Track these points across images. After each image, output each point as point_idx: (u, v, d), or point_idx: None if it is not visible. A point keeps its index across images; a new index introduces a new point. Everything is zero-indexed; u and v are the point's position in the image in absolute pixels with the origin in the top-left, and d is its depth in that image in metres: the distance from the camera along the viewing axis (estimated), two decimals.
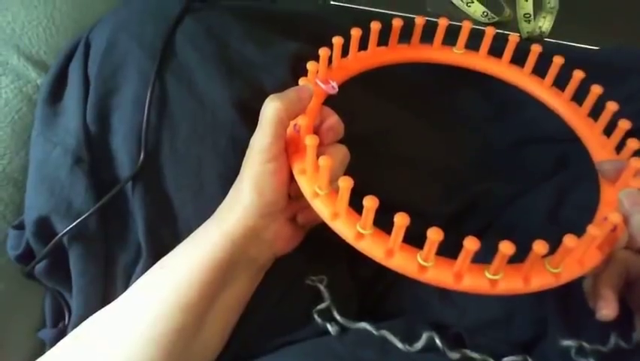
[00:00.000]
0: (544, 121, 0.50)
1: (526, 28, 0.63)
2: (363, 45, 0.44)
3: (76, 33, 0.49)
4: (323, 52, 0.39)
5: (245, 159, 0.38)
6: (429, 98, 0.53)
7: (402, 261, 0.32)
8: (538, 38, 0.62)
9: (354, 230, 0.33)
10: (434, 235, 0.29)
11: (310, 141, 0.33)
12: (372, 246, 0.32)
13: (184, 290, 0.36)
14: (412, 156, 0.49)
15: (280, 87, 0.39)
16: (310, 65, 0.39)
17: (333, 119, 0.39)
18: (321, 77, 0.40)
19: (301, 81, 0.40)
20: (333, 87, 0.39)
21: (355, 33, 0.42)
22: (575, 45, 0.60)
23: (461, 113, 0.54)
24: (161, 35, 0.44)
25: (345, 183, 0.31)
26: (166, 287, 0.36)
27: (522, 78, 0.46)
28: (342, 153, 0.39)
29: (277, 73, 0.45)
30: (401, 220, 0.30)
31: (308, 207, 0.35)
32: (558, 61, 0.43)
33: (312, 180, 0.35)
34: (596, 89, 0.41)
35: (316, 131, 0.39)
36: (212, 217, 0.39)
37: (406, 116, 0.51)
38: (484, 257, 0.31)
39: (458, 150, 0.52)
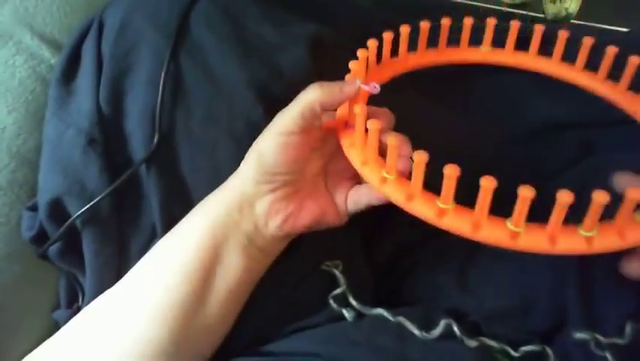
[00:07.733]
0: (566, 106, 0.49)
1: (551, 9, 0.61)
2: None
3: (90, 12, 0.48)
4: (361, 53, 0.39)
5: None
6: (451, 87, 0.52)
7: (490, 232, 0.31)
8: (563, 20, 0.60)
9: (436, 207, 0.32)
10: (526, 193, 0.28)
11: (372, 125, 0.33)
12: (457, 221, 0.32)
13: (181, 257, 0.37)
14: (433, 145, 0.48)
15: (298, 68, 0.38)
16: (352, 65, 0.39)
17: (382, 112, 0.39)
18: (362, 80, 0.40)
19: (347, 77, 0.40)
20: (375, 87, 0.39)
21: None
22: (604, 27, 0.59)
23: (482, 102, 0.53)
24: (175, 15, 0.43)
25: (421, 157, 0.31)
26: (167, 257, 0.37)
27: (552, 66, 0.47)
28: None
29: (295, 53, 0.44)
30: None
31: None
32: (588, 42, 0.43)
33: (376, 166, 0.35)
34: (635, 60, 0.41)
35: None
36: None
37: (427, 104, 0.50)
38: None
39: (481, 139, 0.51)
